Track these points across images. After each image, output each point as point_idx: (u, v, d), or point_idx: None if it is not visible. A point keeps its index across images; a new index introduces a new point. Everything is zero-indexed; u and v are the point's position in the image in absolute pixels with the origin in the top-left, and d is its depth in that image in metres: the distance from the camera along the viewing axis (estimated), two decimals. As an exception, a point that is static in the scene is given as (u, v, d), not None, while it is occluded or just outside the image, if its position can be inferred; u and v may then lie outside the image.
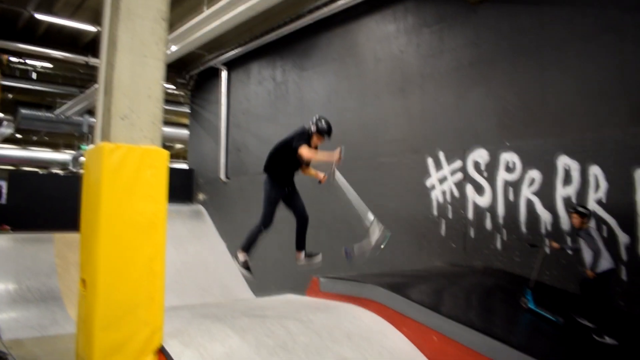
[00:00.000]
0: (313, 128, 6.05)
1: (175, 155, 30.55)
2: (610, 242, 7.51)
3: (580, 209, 6.74)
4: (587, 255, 6.44)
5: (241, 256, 6.45)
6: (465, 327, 5.94)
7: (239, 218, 15.85)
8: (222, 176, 17.01)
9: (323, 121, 6.08)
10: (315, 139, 6.10)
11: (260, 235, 6.31)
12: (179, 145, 29.94)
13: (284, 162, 6.17)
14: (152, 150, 5.48)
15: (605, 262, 6.37)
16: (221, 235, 16.10)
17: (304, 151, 5.89)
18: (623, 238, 7.46)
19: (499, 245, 9.05)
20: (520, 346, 5.54)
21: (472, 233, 9.52)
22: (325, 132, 6.06)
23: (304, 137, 6.12)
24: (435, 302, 6.96)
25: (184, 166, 21.94)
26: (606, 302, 6.38)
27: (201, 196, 18.44)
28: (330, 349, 5.87)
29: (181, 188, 18.33)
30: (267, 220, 6.19)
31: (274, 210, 6.20)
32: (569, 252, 7.52)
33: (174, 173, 18.62)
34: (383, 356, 5.96)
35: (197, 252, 14.30)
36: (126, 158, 5.28)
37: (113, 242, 5.19)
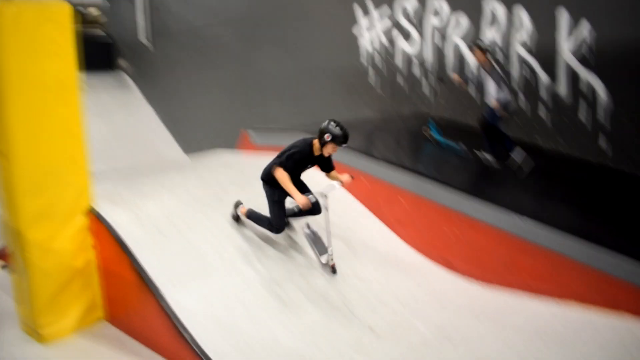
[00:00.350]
0: (326, 137, 4.99)
1: (92, 23, 28.30)
2: (532, 82, 7.74)
3: (481, 44, 6.85)
4: (490, 88, 6.70)
5: (239, 211, 5.54)
6: (393, 167, 6.17)
7: (165, 82, 15.25)
8: (144, 41, 16.02)
9: (337, 127, 5.01)
10: (329, 148, 5.07)
11: (266, 228, 5.41)
12: (95, 12, 27.63)
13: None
14: (51, 3, 4.98)
15: (505, 95, 6.75)
16: (149, 101, 15.56)
17: (278, 173, 5.04)
18: (544, 78, 7.69)
19: (426, 91, 9.18)
20: (444, 180, 5.88)
21: (400, 81, 9.56)
22: (341, 139, 5.02)
23: (297, 151, 5.14)
24: (365, 146, 7.12)
25: (103, 33, 20.44)
26: (501, 130, 6.88)
27: (124, 64, 17.48)
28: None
29: (101, 57, 17.20)
30: (278, 223, 5.28)
31: (282, 212, 5.30)
32: (470, 84, 7.75)
33: (92, 41, 17.46)
34: (315, 201, 6.17)
35: (125, 120, 13.85)
36: (22, 13, 4.78)
37: (23, 107, 4.86)
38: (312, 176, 5.47)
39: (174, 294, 4.56)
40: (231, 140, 8.80)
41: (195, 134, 12.44)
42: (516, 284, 5.21)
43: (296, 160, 5.09)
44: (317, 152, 5.16)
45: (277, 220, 5.27)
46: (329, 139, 4.99)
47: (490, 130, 6.83)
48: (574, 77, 7.30)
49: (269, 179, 5.22)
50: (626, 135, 6.94)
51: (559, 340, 4.33)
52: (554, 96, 7.58)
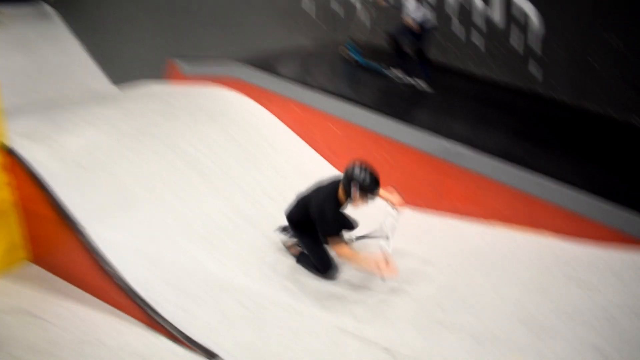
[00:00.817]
0: (354, 188, 3.98)
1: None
2: (466, 7, 7.67)
3: None
4: (412, 11, 6.66)
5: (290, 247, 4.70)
6: (326, 94, 6.10)
7: (90, 11, 14.24)
8: (65, -34, 14.82)
9: (367, 176, 3.98)
10: (359, 201, 4.07)
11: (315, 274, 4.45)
12: None
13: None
14: None
15: (429, 20, 6.77)
16: (73, 32, 14.57)
17: (340, 250, 4.12)
18: (478, 3, 7.62)
19: (367, 21, 8.97)
20: (375, 106, 5.87)
21: (341, 12, 9.30)
22: (372, 190, 4.02)
23: (328, 215, 4.13)
24: (299, 74, 6.99)
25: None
26: (423, 53, 6.92)
27: (48, -6, 16.15)
28: (192, 128, 5.80)
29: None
30: (322, 265, 4.34)
31: (323, 252, 4.36)
32: (393, 7, 7.73)
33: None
34: (247, 131, 6.03)
35: (48, 53, 12.91)
36: None
37: None
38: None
39: (97, 228, 4.38)
40: (161, 71, 8.41)
41: (124, 65, 11.82)
42: (445, 207, 5.34)
43: (335, 221, 4.20)
44: (343, 203, 4.20)
45: (320, 262, 4.33)
46: (356, 189, 3.97)
47: (397, 48, 6.94)
48: (507, 1, 7.28)
49: (294, 226, 4.45)
50: (556, 60, 7.05)
51: (484, 259, 4.50)
52: (487, 22, 7.56)
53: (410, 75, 6.99)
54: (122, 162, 5.16)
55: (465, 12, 7.69)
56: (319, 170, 5.76)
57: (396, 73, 7.08)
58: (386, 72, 7.23)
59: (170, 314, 3.88)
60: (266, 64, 6.98)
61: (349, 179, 4.02)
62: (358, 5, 9.00)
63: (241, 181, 5.35)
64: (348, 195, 4.08)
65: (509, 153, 5.20)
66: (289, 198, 5.22)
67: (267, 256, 4.57)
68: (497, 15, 7.45)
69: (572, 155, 5.55)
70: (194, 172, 5.28)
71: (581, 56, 6.87)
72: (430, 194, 5.42)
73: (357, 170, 4.01)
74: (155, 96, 6.43)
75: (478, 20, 7.61)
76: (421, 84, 6.83)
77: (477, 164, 5.18)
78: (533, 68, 7.21)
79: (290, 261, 4.55)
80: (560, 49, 6.97)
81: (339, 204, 4.18)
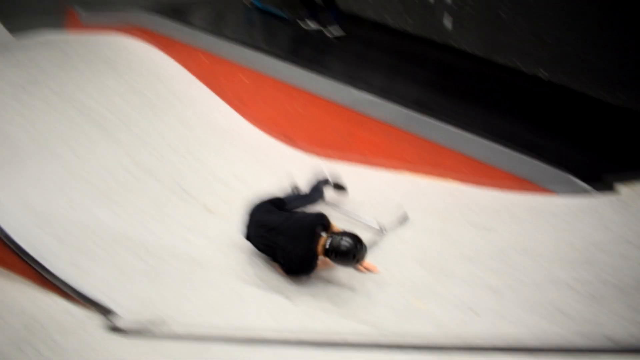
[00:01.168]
0: (351, 263, 3.59)
1: None
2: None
3: None
4: None
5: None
6: (236, 44, 5.88)
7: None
8: None
9: (359, 245, 3.55)
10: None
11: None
12: None
13: None
14: None
15: None
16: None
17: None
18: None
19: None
20: (286, 56, 5.74)
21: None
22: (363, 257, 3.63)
23: (300, 263, 3.69)
24: (207, 24, 6.69)
25: None
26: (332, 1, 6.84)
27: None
28: (90, 79, 5.44)
29: None
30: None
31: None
32: None
33: None
34: (150, 82, 5.73)
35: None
36: None
37: None
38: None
39: (-20, 186, 4.04)
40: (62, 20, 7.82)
41: (23, 13, 10.96)
42: (355, 158, 5.30)
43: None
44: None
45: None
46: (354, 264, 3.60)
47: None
48: (420, -48, 7.21)
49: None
50: (468, 13, 7.09)
51: (387, 204, 4.48)
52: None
53: (320, 23, 6.82)
54: (10, 116, 4.77)
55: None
56: (226, 120, 5.58)
57: (306, 22, 6.90)
58: (288, 17, 7.05)
59: (62, 271, 3.64)
60: (173, 12, 6.61)
61: (343, 256, 3.54)
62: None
63: (143, 134, 5.07)
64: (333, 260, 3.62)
65: (419, 103, 5.21)
66: (194, 149, 5.04)
67: (169, 208, 4.38)
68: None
69: (480, 106, 5.63)
70: (92, 125, 4.96)
71: (492, 10, 6.93)
72: (340, 144, 5.36)
73: (346, 244, 3.52)
74: (50, 45, 5.95)
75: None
76: (332, 31, 6.68)
77: (387, 114, 5.16)
78: (446, 21, 7.22)
79: (192, 213, 4.37)
80: (472, 2, 7.00)
81: (316, 258, 3.67)
